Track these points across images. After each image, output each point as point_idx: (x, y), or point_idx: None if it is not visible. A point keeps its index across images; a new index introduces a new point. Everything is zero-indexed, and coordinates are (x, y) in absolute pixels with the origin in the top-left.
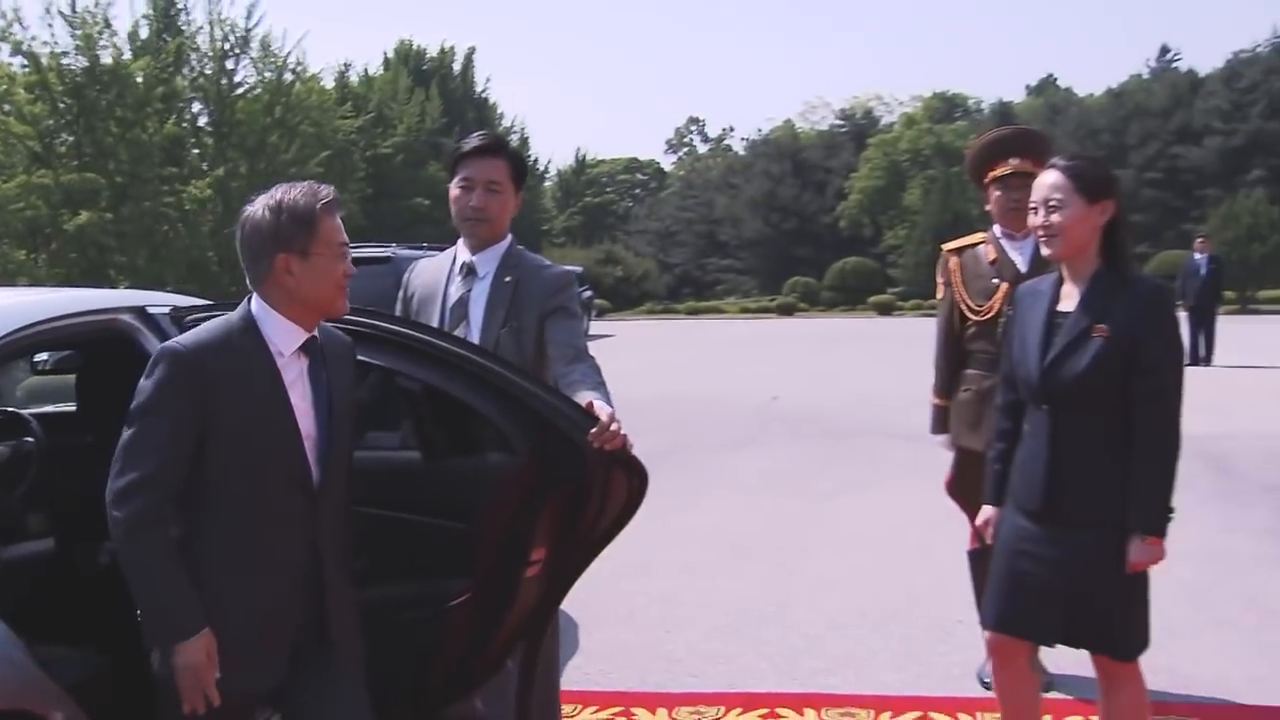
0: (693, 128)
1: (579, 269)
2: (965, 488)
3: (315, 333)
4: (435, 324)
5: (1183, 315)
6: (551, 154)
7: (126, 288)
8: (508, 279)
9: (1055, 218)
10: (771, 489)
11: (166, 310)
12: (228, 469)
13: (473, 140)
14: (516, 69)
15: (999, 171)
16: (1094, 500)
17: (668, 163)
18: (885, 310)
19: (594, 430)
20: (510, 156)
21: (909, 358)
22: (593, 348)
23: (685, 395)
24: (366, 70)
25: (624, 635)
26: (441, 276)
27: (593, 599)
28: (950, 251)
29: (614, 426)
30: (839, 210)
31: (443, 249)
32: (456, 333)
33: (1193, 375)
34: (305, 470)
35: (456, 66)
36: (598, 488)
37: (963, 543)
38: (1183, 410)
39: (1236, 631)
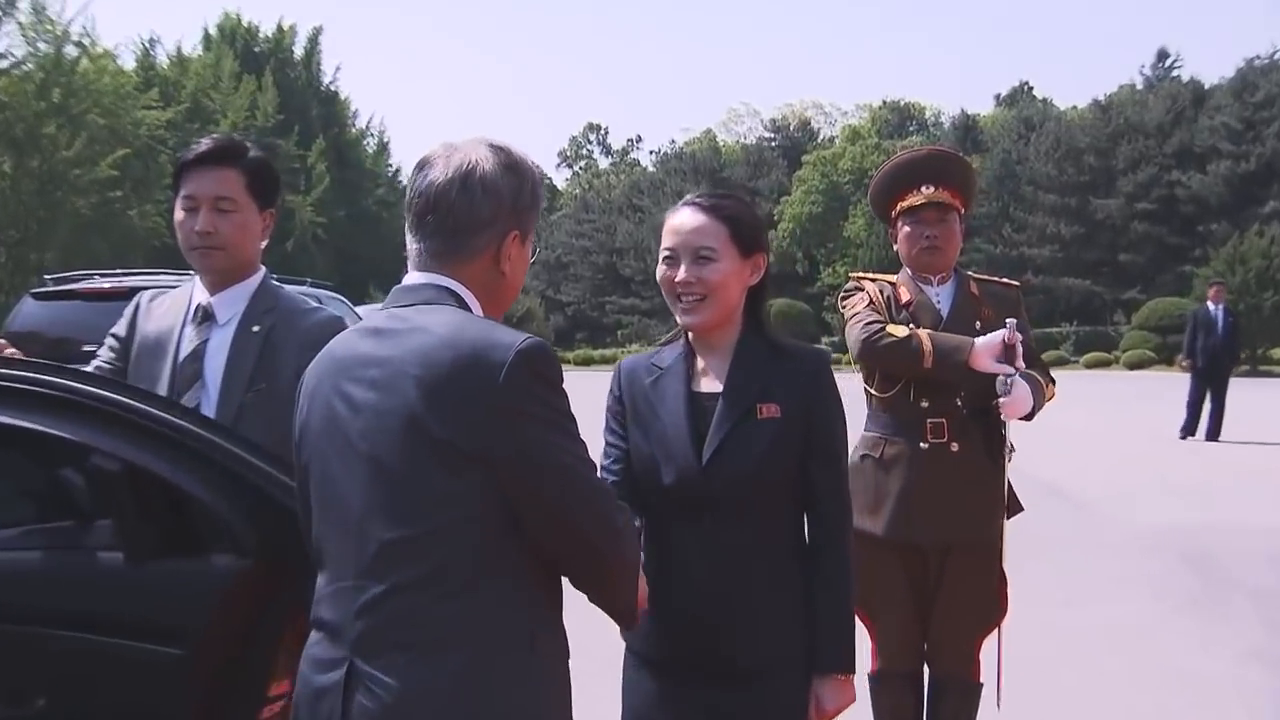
0: (592, 137)
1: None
2: (862, 590)
3: None
4: (165, 381)
5: (1185, 377)
6: None
7: None
8: (256, 328)
9: (708, 273)
10: None
11: None
12: None
13: (199, 146)
14: (376, 57)
15: (909, 202)
16: (770, 639)
17: (561, 179)
18: None
19: None
20: (248, 166)
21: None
22: None
23: None
24: (180, 49)
25: None
26: (176, 321)
27: None
28: (863, 278)
29: None
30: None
31: (302, 281)
32: (189, 395)
33: (1181, 452)
34: None
35: (298, 50)
36: None
37: (868, 659)
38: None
39: None
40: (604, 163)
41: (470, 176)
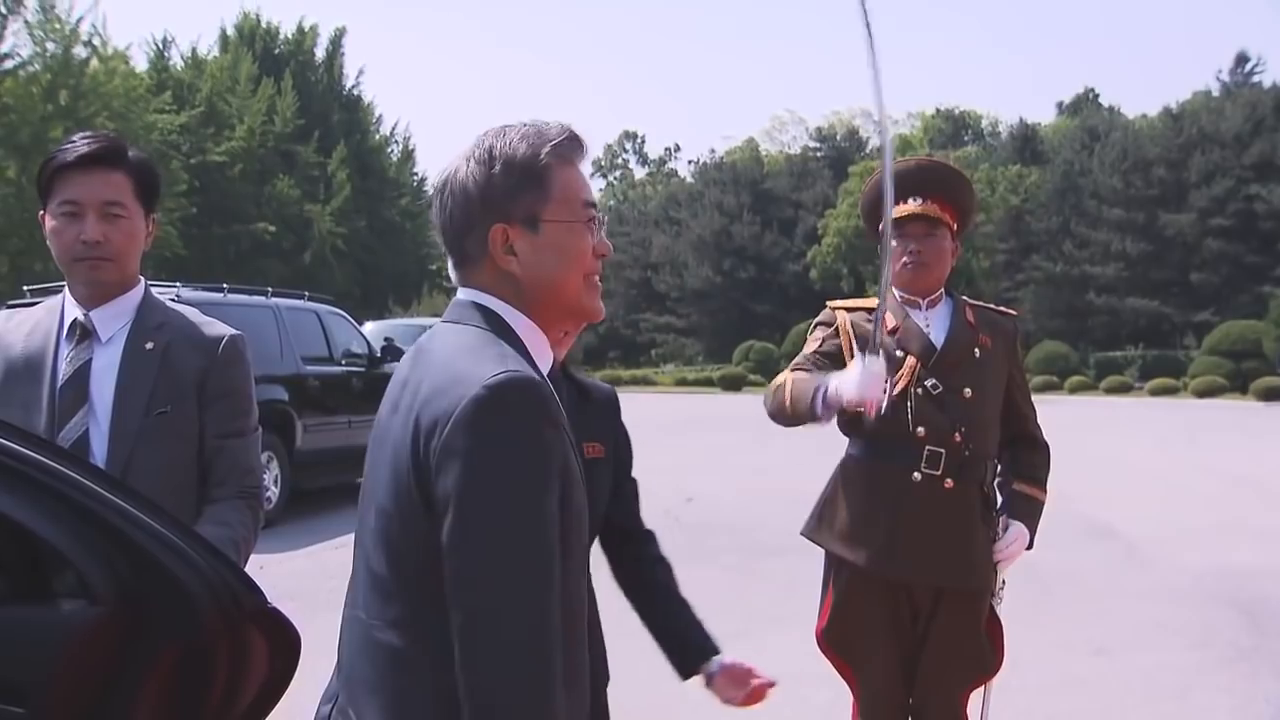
0: (628, 146)
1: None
2: (845, 634)
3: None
4: (43, 407)
5: (1260, 406)
6: None
7: None
8: (149, 345)
9: None
10: None
11: None
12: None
13: (77, 146)
14: (401, 61)
15: (895, 214)
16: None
17: (595, 189)
18: None
19: None
20: (135, 168)
21: None
22: None
23: None
24: (195, 51)
25: None
26: (48, 340)
27: None
28: (839, 309)
29: None
30: (810, 256)
31: (300, 295)
32: (75, 420)
33: (1245, 491)
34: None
35: (319, 53)
36: (223, 654)
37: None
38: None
39: None
40: (640, 173)
41: (446, 187)
